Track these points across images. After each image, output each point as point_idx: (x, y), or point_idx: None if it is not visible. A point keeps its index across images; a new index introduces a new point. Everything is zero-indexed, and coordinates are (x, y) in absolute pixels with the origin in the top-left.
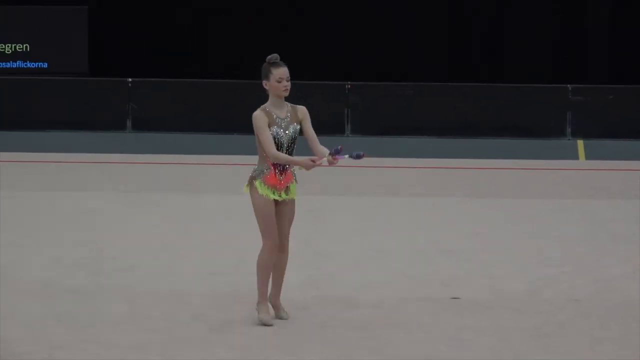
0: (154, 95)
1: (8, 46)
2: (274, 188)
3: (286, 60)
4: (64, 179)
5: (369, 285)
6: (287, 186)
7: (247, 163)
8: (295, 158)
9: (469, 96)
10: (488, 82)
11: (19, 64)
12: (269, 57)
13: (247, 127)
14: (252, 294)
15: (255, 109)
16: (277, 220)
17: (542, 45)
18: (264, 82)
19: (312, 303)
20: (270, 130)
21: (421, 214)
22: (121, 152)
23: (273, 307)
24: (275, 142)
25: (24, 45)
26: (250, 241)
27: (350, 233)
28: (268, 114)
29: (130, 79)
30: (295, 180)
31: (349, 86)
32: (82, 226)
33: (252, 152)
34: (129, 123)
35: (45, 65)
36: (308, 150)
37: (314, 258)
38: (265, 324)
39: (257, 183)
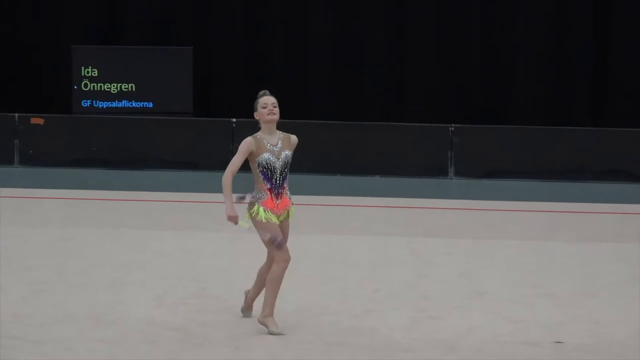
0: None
1: (114, 86)
2: (272, 212)
3: (391, 101)
4: (167, 218)
5: (471, 328)
6: (286, 210)
7: (361, 204)
8: (227, 201)
9: (573, 139)
10: (593, 127)
11: (124, 103)
12: (259, 92)
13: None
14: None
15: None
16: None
17: None
18: (255, 114)
19: (416, 346)
20: (261, 156)
21: (525, 258)
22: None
23: (246, 307)
24: (267, 168)
25: (130, 85)
26: (351, 282)
27: (454, 275)
28: (259, 140)
29: (234, 120)
30: (292, 204)
31: (452, 128)
32: (184, 265)
33: (358, 192)
34: None
35: (151, 104)
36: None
37: (418, 300)
38: (276, 334)
39: (258, 209)
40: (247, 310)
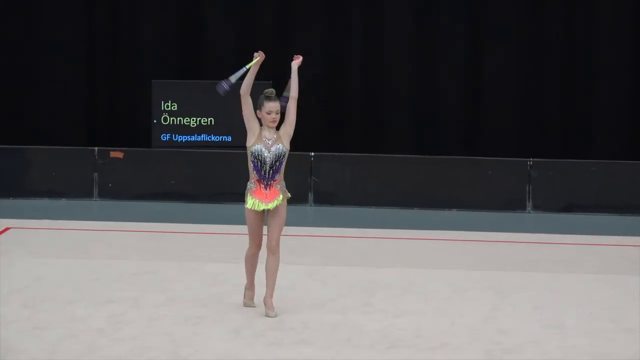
0: (335, 169)
1: (193, 119)
2: (261, 201)
3: (468, 134)
4: (243, 250)
5: None
6: (276, 200)
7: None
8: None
9: None
10: None
11: (203, 137)
12: (266, 90)
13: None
14: None
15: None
16: (268, 227)
17: None
18: (257, 112)
19: None
20: (255, 147)
21: (602, 291)
22: (302, 225)
23: (265, 304)
24: (258, 159)
25: (209, 119)
26: (427, 317)
27: (530, 308)
28: (259, 130)
29: (312, 153)
30: (282, 196)
31: (530, 162)
32: (260, 297)
33: (435, 225)
34: (310, 196)
35: (229, 138)
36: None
37: (493, 334)
38: (245, 306)
39: (247, 197)
40: (267, 309)
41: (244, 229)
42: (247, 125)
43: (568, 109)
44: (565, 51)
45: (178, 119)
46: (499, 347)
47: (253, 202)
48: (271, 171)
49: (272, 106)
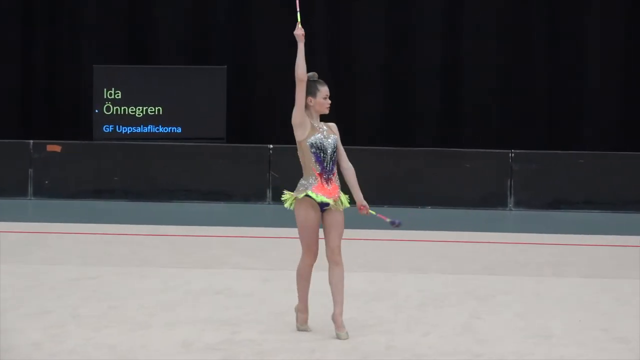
0: (295, 163)
1: (139, 109)
2: (325, 196)
3: (444, 124)
4: (196, 254)
5: None
6: (338, 197)
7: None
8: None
9: None
10: None
11: (150, 128)
12: (310, 74)
13: (405, 200)
14: None
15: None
16: (325, 232)
17: None
18: (309, 99)
19: None
20: (314, 136)
21: (592, 296)
22: (260, 225)
23: (334, 323)
24: (320, 149)
25: (157, 109)
26: (399, 324)
27: (512, 316)
28: (310, 121)
29: (271, 146)
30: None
31: (512, 154)
32: (214, 306)
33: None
34: (269, 193)
35: (179, 130)
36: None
37: (471, 345)
38: (298, 329)
39: (310, 193)
40: (337, 330)
41: (193, 229)
42: (300, 116)
43: (554, 97)
44: (553, 39)
45: (122, 108)
46: (479, 359)
47: (316, 195)
48: (331, 162)
49: (327, 90)
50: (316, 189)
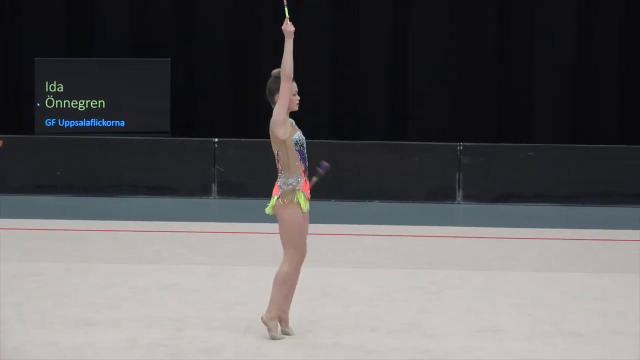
0: (242, 157)
1: (82, 102)
2: (307, 198)
3: (391, 117)
4: (140, 250)
5: None
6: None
7: (348, 232)
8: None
9: (595, 159)
10: (617, 144)
11: (93, 122)
12: (275, 71)
13: (348, 194)
14: None
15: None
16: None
17: None
18: (276, 97)
19: None
20: (296, 134)
21: (542, 291)
22: (205, 220)
23: (281, 321)
24: (302, 146)
25: (100, 102)
26: (347, 320)
27: (462, 311)
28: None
29: (216, 139)
30: None
31: (461, 147)
32: (159, 303)
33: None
34: (214, 188)
35: (122, 123)
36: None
37: (420, 340)
38: (276, 339)
39: (298, 197)
40: (285, 327)
41: (137, 224)
42: (283, 113)
43: (503, 90)
44: (503, 33)
45: (65, 101)
46: (427, 355)
47: (305, 203)
48: (307, 155)
49: (295, 86)
50: (303, 187)
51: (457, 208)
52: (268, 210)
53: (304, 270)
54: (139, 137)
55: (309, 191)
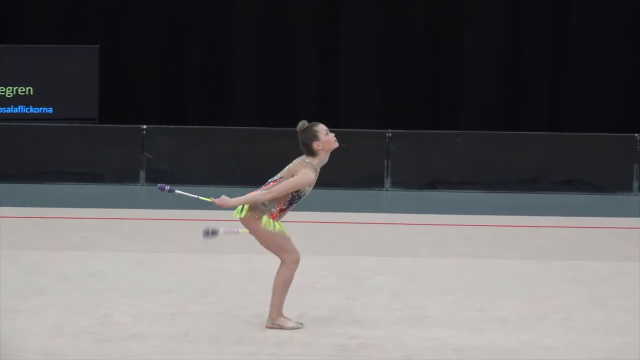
0: (170, 144)
1: (9, 89)
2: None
3: (318, 104)
4: (67, 237)
5: (410, 356)
6: None
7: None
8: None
9: (524, 146)
10: (546, 131)
11: (20, 108)
12: (300, 125)
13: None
14: None
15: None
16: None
17: (608, 91)
18: (315, 144)
19: None
20: (307, 189)
21: (469, 278)
22: (133, 207)
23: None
24: (299, 197)
25: (27, 89)
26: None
27: (389, 298)
28: (316, 173)
29: (144, 126)
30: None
31: (390, 134)
32: (87, 290)
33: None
34: (142, 175)
35: (51, 110)
36: None
37: (347, 327)
38: (296, 328)
39: (264, 218)
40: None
41: (65, 211)
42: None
43: (432, 77)
44: (432, 17)
45: None
46: (354, 341)
47: (268, 223)
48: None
49: (325, 127)
50: (271, 216)
51: (386, 195)
52: (235, 214)
53: (232, 256)
54: (67, 124)
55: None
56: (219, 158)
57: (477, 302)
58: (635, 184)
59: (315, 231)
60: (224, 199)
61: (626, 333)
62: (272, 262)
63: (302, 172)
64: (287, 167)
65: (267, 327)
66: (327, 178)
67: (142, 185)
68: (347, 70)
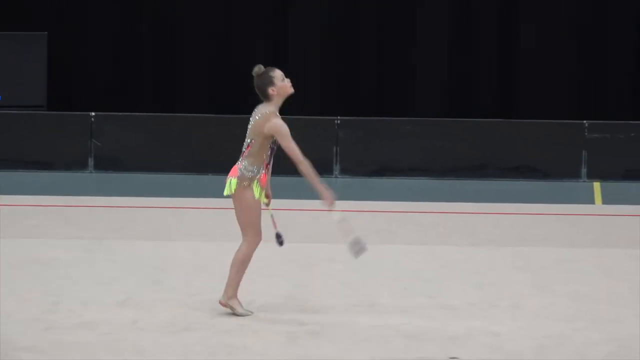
0: (119, 132)
1: None
2: (262, 190)
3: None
4: (16, 224)
5: (357, 343)
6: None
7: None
8: (321, 186)
9: (473, 133)
10: (494, 118)
11: None
12: (256, 70)
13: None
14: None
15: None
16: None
17: (556, 78)
18: (271, 89)
19: None
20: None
21: (418, 264)
22: (82, 194)
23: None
24: (275, 143)
25: None
26: (221, 294)
27: (338, 284)
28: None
29: (93, 113)
30: None
31: (338, 121)
32: (36, 277)
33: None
34: (90, 162)
35: None
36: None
37: (296, 314)
38: (245, 315)
39: (254, 185)
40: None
41: (14, 199)
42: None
43: (382, 63)
44: (380, 3)
45: None
46: (303, 328)
47: (260, 194)
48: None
49: (281, 72)
50: (261, 180)
51: (335, 182)
52: (226, 192)
53: (181, 244)
54: (15, 111)
55: (265, 184)
56: (167, 145)
57: (426, 289)
58: (583, 171)
59: (266, 218)
60: (326, 197)
61: (573, 319)
62: (222, 250)
63: (272, 124)
64: (250, 126)
65: (221, 304)
66: (275, 165)
67: (91, 172)
68: (296, 56)
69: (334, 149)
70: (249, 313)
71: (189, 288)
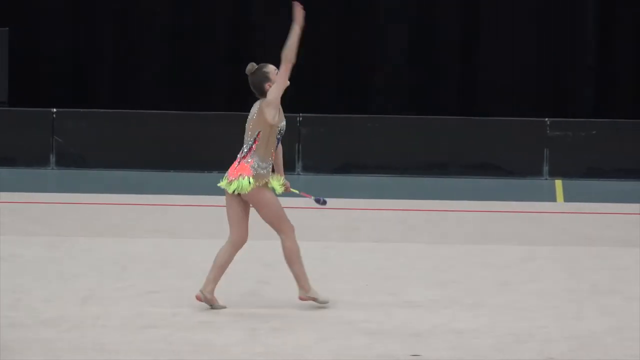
0: (80, 128)
1: None
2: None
3: (232, 88)
4: None
5: (319, 341)
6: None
7: (188, 204)
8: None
9: (435, 130)
10: (456, 115)
11: None
12: (249, 67)
13: (192, 164)
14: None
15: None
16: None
17: (519, 75)
18: (268, 85)
19: None
20: (282, 123)
21: (380, 262)
22: (43, 191)
23: (210, 300)
24: (281, 134)
25: None
26: (186, 292)
27: None
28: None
29: (54, 110)
30: None
31: (300, 118)
32: None
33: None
34: (52, 158)
35: None
36: None
37: (259, 309)
38: (325, 302)
39: (272, 181)
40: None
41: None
42: (279, 96)
43: (345, 60)
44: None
45: None
46: (266, 325)
47: (278, 186)
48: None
49: (274, 67)
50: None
51: (297, 179)
52: (236, 190)
53: (143, 241)
54: None
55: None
56: (129, 141)
57: (389, 286)
58: (545, 168)
59: (221, 215)
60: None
61: (536, 316)
62: (185, 248)
63: (267, 99)
64: (250, 124)
65: (302, 299)
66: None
67: (53, 169)
68: (259, 51)
69: (296, 146)
70: (326, 301)
71: (152, 285)
